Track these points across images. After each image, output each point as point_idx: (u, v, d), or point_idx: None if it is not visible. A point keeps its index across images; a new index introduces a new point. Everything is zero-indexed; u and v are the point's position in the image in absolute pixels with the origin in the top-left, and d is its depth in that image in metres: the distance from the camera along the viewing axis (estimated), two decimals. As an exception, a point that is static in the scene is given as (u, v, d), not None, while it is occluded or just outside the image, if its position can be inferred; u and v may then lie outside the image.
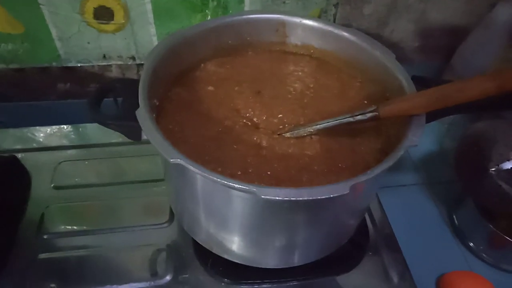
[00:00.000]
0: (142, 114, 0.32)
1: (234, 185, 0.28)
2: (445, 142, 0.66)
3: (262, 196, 0.28)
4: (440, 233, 0.54)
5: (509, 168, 0.51)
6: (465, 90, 0.33)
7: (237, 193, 0.30)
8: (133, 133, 0.35)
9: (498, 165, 0.51)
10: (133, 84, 0.37)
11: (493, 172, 0.51)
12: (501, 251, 0.51)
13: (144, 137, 0.35)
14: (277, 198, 0.28)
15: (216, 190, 0.32)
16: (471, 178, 0.54)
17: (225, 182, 0.28)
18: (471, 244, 0.53)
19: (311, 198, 0.28)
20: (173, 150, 0.30)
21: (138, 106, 0.34)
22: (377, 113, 0.36)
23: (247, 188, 0.28)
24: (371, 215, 0.51)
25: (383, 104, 0.36)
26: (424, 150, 0.65)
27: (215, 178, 0.29)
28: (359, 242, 0.47)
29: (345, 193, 0.28)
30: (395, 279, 0.46)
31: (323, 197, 0.28)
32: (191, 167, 0.29)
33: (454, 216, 0.56)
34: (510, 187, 0.50)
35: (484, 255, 0.52)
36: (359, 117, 0.37)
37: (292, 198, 0.28)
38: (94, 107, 0.36)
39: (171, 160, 0.29)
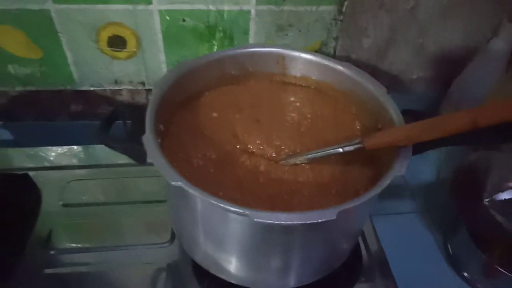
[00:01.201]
0: (148, 139, 0.35)
1: (230, 208, 0.30)
2: (442, 171, 0.68)
3: (255, 219, 0.30)
4: (435, 261, 0.55)
5: (503, 199, 0.53)
6: (441, 126, 0.35)
7: (232, 216, 0.32)
8: (139, 156, 0.37)
9: (492, 196, 0.53)
10: (141, 109, 0.39)
11: (487, 203, 0.53)
12: (495, 281, 0.52)
13: (148, 160, 0.38)
14: (268, 221, 0.30)
15: (214, 212, 0.35)
16: (465, 207, 0.55)
17: (221, 205, 0.31)
18: (465, 273, 0.53)
19: (300, 222, 0.30)
20: (174, 174, 0.32)
21: (144, 130, 0.37)
22: (362, 145, 0.38)
23: (241, 211, 0.30)
24: (365, 241, 0.52)
25: (368, 136, 0.39)
26: (421, 179, 0.67)
27: (212, 201, 0.31)
28: (352, 267, 0.48)
29: (332, 218, 0.30)
30: (388, 305, 0.47)
31: (312, 221, 0.30)
32: (190, 190, 0.31)
33: (448, 245, 0.56)
34: (504, 217, 0.52)
35: (478, 285, 0.52)
36: (346, 148, 0.39)
37: (282, 222, 0.30)
38: (104, 130, 0.39)
39: (173, 182, 0.32)
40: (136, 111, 0.41)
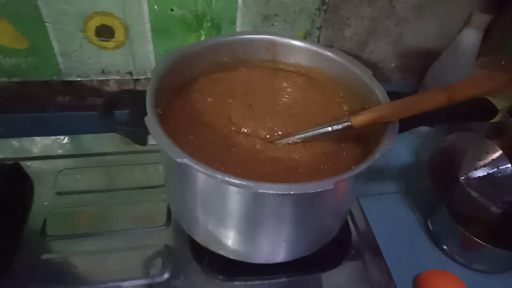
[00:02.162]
0: (150, 120, 0.36)
1: (235, 181, 0.32)
2: (420, 153, 0.71)
3: (259, 191, 0.32)
4: (417, 236, 0.58)
5: (477, 176, 0.56)
6: (422, 102, 0.39)
7: (236, 189, 0.34)
8: (140, 138, 0.38)
9: (467, 174, 0.56)
10: (139, 94, 0.40)
11: (463, 181, 0.56)
12: (472, 252, 0.55)
13: (149, 142, 0.39)
14: (271, 191, 0.32)
15: (217, 187, 0.36)
16: (444, 186, 0.58)
17: (227, 178, 0.32)
18: (445, 246, 0.57)
19: (300, 192, 0.32)
20: (179, 151, 0.34)
21: (144, 114, 0.38)
22: (349, 123, 0.41)
23: (245, 183, 0.32)
24: (353, 219, 0.55)
25: (355, 115, 0.41)
26: (402, 161, 0.70)
27: (217, 175, 0.32)
28: (342, 242, 0.51)
29: (330, 188, 0.32)
30: (376, 277, 0.50)
31: (311, 191, 0.32)
32: (197, 166, 0.33)
33: (429, 222, 0.60)
34: (478, 194, 0.55)
35: (456, 256, 0.56)
36: (335, 127, 0.42)
37: (284, 192, 0.32)
38: (105, 115, 0.40)
39: (178, 160, 0.33)
40: (134, 96, 0.42)
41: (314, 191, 0.32)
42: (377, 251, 0.52)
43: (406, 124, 0.44)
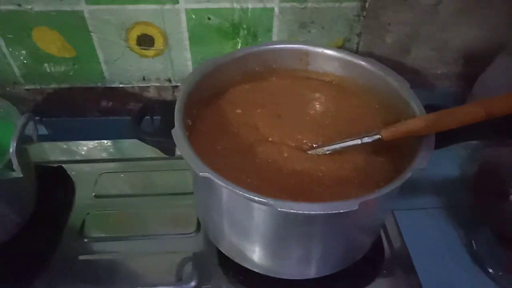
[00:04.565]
0: (177, 133, 0.37)
1: (254, 197, 0.32)
2: (466, 167, 0.67)
3: (279, 209, 0.31)
4: (458, 257, 0.55)
5: (529, 194, 0.52)
6: (457, 116, 0.36)
7: (256, 205, 0.34)
8: (168, 149, 0.39)
9: (517, 192, 0.52)
10: (170, 105, 0.41)
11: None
12: (521, 278, 0.52)
13: (177, 152, 0.40)
14: (291, 211, 0.31)
15: (238, 202, 0.36)
16: (489, 203, 0.55)
17: (246, 195, 0.32)
18: (490, 269, 0.53)
19: (322, 212, 0.31)
20: (202, 165, 0.34)
21: (173, 125, 0.39)
22: (380, 136, 0.39)
23: (265, 201, 0.32)
24: (387, 236, 0.53)
25: (386, 128, 0.39)
26: (445, 174, 0.66)
27: (237, 191, 0.32)
28: (374, 259, 0.49)
29: (354, 209, 0.31)
30: (409, 299, 0.48)
31: (333, 212, 0.31)
32: (217, 180, 0.33)
33: (472, 241, 0.56)
34: (530, 214, 0.51)
35: (503, 281, 0.52)
36: (365, 140, 0.40)
37: (305, 212, 0.31)
38: (135, 124, 0.41)
39: (200, 173, 0.33)
40: (164, 107, 0.43)
41: (336, 211, 0.31)
42: (412, 271, 0.49)
43: (448, 138, 0.41)
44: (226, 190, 0.33)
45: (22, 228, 0.50)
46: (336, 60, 0.50)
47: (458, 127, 0.37)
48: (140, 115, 0.42)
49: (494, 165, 0.55)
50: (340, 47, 0.64)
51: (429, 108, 0.42)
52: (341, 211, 0.31)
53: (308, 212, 0.31)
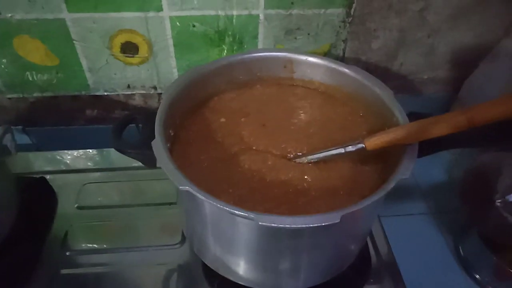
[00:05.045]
0: (157, 145, 0.36)
1: (235, 211, 0.31)
2: (454, 172, 0.67)
3: (260, 223, 0.31)
4: (446, 263, 0.55)
5: (515, 200, 0.52)
6: (439, 124, 0.36)
7: (239, 218, 0.33)
8: (150, 161, 0.38)
9: (504, 197, 0.52)
10: (153, 114, 0.41)
11: (498, 204, 0.52)
12: (507, 283, 0.51)
13: (158, 165, 0.39)
14: (272, 224, 0.30)
15: (221, 215, 0.35)
16: (476, 209, 0.55)
17: (227, 208, 0.31)
18: (477, 275, 0.53)
19: (304, 226, 0.30)
20: (182, 178, 0.34)
21: (154, 137, 0.38)
22: (363, 145, 0.39)
23: (246, 214, 0.31)
24: (374, 243, 0.53)
25: (369, 137, 0.39)
26: (433, 180, 0.67)
27: (218, 205, 0.32)
28: (361, 269, 0.48)
29: (336, 222, 0.30)
30: (397, 307, 0.47)
31: (315, 225, 0.30)
32: (197, 194, 0.32)
33: (460, 247, 0.56)
34: (517, 219, 0.51)
35: (490, 287, 0.52)
36: (349, 148, 0.40)
37: (286, 226, 0.30)
38: (116, 136, 0.40)
39: (180, 187, 0.33)
40: (148, 116, 0.42)
41: (318, 225, 0.30)
42: (398, 278, 0.49)
43: (431, 146, 0.41)
44: (207, 203, 0.33)
45: (2, 241, 0.49)
46: (321, 67, 0.49)
47: (441, 135, 0.36)
48: (121, 126, 0.41)
49: (481, 172, 0.55)
50: (327, 54, 0.64)
51: (413, 115, 0.42)
52: (323, 224, 0.30)
53: (289, 226, 0.30)
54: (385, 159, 0.42)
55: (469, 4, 0.62)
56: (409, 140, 0.37)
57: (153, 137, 0.38)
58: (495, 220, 0.52)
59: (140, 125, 0.43)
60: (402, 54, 0.67)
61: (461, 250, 0.56)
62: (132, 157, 0.39)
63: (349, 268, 0.46)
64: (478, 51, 0.67)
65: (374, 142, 0.39)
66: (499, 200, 0.52)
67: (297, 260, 0.39)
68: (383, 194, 0.33)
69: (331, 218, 0.30)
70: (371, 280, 0.49)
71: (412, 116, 0.42)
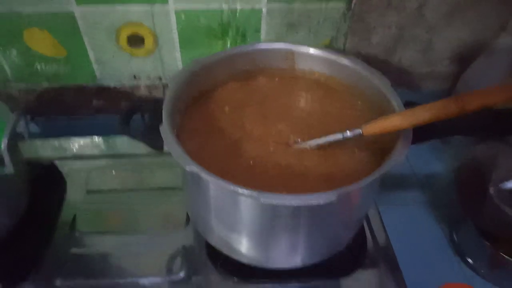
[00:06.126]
0: (165, 129, 0.38)
1: (239, 190, 0.33)
2: (450, 163, 0.69)
3: (262, 200, 0.33)
4: (440, 249, 0.56)
5: (509, 189, 0.53)
6: (431, 110, 0.38)
7: (241, 198, 0.35)
8: (156, 145, 0.41)
9: (498, 186, 0.54)
10: (158, 103, 0.43)
11: (492, 192, 0.54)
12: (500, 270, 0.53)
13: (165, 148, 0.41)
14: (274, 202, 0.33)
15: (225, 195, 0.38)
16: (471, 198, 0.56)
17: (231, 187, 0.33)
18: (470, 260, 0.54)
19: (302, 203, 0.32)
20: (189, 160, 0.36)
21: (161, 122, 0.40)
22: (360, 131, 0.41)
23: (249, 193, 0.33)
24: (371, 228, 0.55)
25: (366, 123, 0.41)
26: (430, 171, 0.68)
27: (223, 184, 0.34)
28: (357, 250, 0.51)
29: (332, 200, 0.32)
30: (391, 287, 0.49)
31: (313, 203, 0.32)
32: (203, 175, 0.34)
33: (454, 234, 0.58)
34: (509, 207, 0.53)
35: (482, 271, 0.53)
36: (347, 134, 0.42)
37: (287, 203, 0.32)
38: (124, 122, 0.42)
39: (187, 168, 0.35)
40: (153, 105, 0.44)
41: (316, 203, 0.32)
42: (394, 261, 0.51)
43: (425, 134, 0.43)
44: (212, 183, 0.35)
45: (15, 224, 0.51)
46: (321, 59, 0.51)
47: (434, 121, 0.38)
48: (129, 114, 0.43)
49: (476, 162, 0.56)
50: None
51: (409, 105, 0.44)
52: (321, 202, 0.32)
53: (289, 204, 0.32)
54: (382, 147, 0.44)
55: (465, 1, 0.63)
56: (403, 126, 0.39)
57: (160, 123, 0.40)
58: (489, 208, 0.53)
59: (145, 114, 0.45)
60: (400, 50, 0.69)
61: (455, 238, 0.58)
62: (141, 141, 0.41)
63: (345, 250, 0.48)
64: (475, 47, 0.69)
65: (370, 128, 0.41)
66: (493, 189, 0.54)
67: (295, 238, 0.41)
68: (378, 176, 0.35)
69: (328, 197, 0.32)
70: (367, 262, 0.51)
71: (408, 105, 0.44)
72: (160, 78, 0.68)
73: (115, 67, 0.65)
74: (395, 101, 0.44)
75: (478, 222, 0.55)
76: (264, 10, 0.60)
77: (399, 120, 0.39)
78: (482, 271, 0.54)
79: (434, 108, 0.38)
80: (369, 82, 0.48)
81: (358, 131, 0.41)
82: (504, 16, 0.65)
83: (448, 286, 0.50)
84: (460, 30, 0.67)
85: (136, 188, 0.60)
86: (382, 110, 0.46)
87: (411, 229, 0.59)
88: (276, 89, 0.52)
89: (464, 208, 0.57)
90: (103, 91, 0.68)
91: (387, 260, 0.51)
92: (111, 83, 0.67)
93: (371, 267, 0.51)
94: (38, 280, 0.48)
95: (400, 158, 0.37)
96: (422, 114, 0.38)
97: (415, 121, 0.39)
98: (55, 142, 0.66)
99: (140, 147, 0.62)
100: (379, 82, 0.47)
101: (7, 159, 0.44)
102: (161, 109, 0.41)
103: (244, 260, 0.45)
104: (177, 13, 0.59)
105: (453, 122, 0.41)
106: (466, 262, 0.55)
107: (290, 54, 0.52)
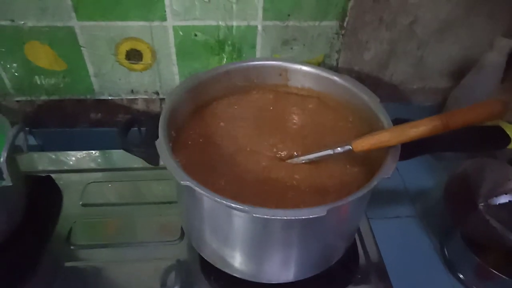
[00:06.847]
0: (161, 144, 0.39)
1: (231, 204, 0.34)
2: (440, 178, 0.70)
3: (254, 215, 0.34)
4: (431, 263, 0.57)
5: (497, 203, 0.55)
6: (418, 127, 0.40)
7: (234, 212, 0.36)
8: (153, 159, 0.42)
9: (486, 201, 0.55)
10: (155, 117, 0.44)
11: (481, 207, 0.55)
12: (489, 283, 0.54)
13: (161, 162, 0.42)
14: (265, 216, 0.34)
15: (218, 209, 0.38)
16: (460, 212, 0.57)
17: (224, 202, 0.34)
18: (461, 275, 0.55)
19: (293, 218, 0.33)
20: (183, 174, 0.37)
21: (158, 136, 0.41)
22: (350, 147, 0.42)
23: (241, 207, 0.34)
24: (362, 243, 0.56)
25: (356, 139, 0.43)
26: (420, 185, 0.69)
27: (216, 199, 0.35)
28: (348, 265, 0.51)
29: (322, 215, 0.33)
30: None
31: (303, 217, 0.33)
32: (197, 189, 0.35)
33: (445, 248, 0.59)
34: (498, 222, 0.54)
35: (473, 286, 0.54)
36: (337, 150, 0.43)
37: (278, 217, 0.33)
38: (121, 136, 0.43)
39: (181, 182, 0.36)
40: (150, 119, 0.45)
41: (305, 217, 0.33)
42: (385, 277, 0.52)
43: (414, 150, 0.44)
44: (206, 197, 0.36)
45: (11, 235, 0.52)
46: (313, 76, 0.53)
47: (421, 138, 0.40)
48: (126, 127, 0.44)
49: (464, 177, 0.58)
50: (321, 63, 0.68)
51: (397, 121, 0.45)
52: (310, 216, 0.33)
53: (280, 218, 0.33)
54: (372, 162, 0.45)
55: (455, 18, 0.65)
56: (392, 142, 0.41)
57: (156, 138, 0.41)
58: (478, 223, 0.54)
59: (142, 128, 0.46)
60: (392, 65, 0.71)
61: (445, 251, 0.58)
62: (137, 156, 0.42)
63: (337, 265, 0.48)
64: (464, 63, 0.71)
65: (360, 144, 0.42)
66: (482, 204, 0.55)
67: (288, 252, 0.42)
68: (367, 191, 0.36)
69: (318, 211, 0.33)
70: (359, 277, 0.51)
71: (397, 121, 0.45)
72: (157, 93, 0.69)
73: (113, 80, 0.66)
74: (384, 117, 0.45)
75: (467, 235, 0.55)
76: (259, 27, 0.62)
77: (388, 136, 0.41)
78: (472, 286, 0.54)
79: (421, 125, 0.39)
80: (359, 99, 0.49)
81: (348, 147, 0.43)
82: (492, 34, 0.67)
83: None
84: (450, 47, 0.69)
85: (131, 201, 0.60)
86: (371, 124, 0.47)
87: (403, 243, 0.59)
88: (270, 104, 0.53)
89: (454, 221, 0.58)
90: (101, 104, 0.69)
91: (378, 275, 0.52)
92: (109, 97, 0.68)
93: (363, 283, 0.51)
94: (32, 291, 0.49)
95: (388, 173, 0.38)
96: (409, 131, 0.40)
97: (403, 138, 0.40)
98: (52, 155, 0.67)
99: (136, 161, 0.63)
100: (369, 99, 0.48)
101: (5, 172, 0.45)
102: (158, 123, 0.42)
103: (237, 275, 0.45)
104: (175, 29, 0.61)
105: (440, 138, 0.42)
106: (457, 277, 0.56)
107: (284, 71, 0.53)
